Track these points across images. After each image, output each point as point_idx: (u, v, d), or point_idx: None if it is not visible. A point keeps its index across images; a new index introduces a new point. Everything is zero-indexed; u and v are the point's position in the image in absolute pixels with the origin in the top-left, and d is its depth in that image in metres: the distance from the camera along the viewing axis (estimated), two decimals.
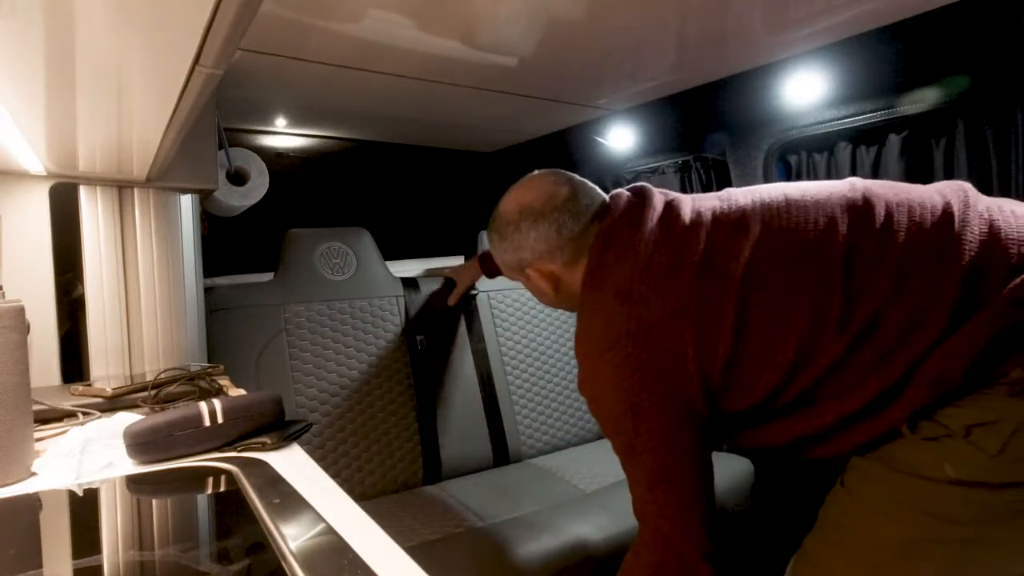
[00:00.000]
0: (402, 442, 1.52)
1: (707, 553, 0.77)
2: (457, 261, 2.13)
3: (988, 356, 0.67)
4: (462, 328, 1.72)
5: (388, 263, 1.71)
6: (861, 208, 0.76)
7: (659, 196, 0.90)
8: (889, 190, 0.78)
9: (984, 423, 0.67)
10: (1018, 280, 0.67)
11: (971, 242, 0.70)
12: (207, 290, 1.42)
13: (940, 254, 0.70)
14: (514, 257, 0.98)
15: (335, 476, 1.32)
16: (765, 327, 0.75)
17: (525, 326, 1.82)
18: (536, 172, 0.99)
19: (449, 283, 1.71)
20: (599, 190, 0.97)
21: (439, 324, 1.67)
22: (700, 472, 0.79)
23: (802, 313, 0.73)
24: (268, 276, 1.57)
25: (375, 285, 1.63)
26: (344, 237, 1.63)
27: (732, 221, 0.81)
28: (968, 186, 0.78)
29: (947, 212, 0.73)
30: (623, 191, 0.94)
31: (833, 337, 0.72)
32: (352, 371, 1.51)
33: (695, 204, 0.87)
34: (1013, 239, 0.70)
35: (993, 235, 0.71)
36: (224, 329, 1.40)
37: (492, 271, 1.59)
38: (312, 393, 1.44)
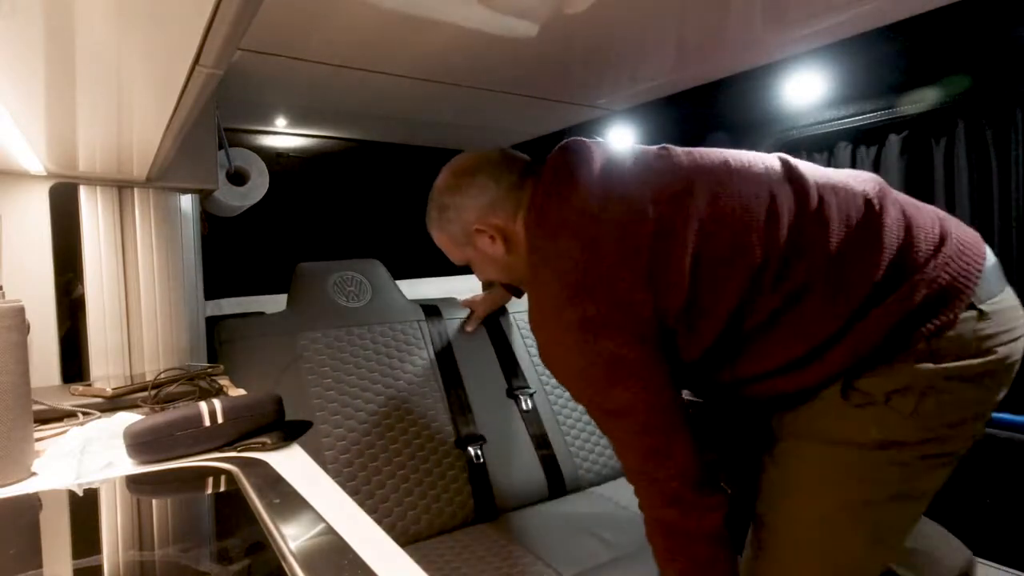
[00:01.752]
0: (444, 470, 1.37)
1: (710, 489, 0.83)
2: (468, 280, 2.05)
3: (901, 330, 0.77)
4: (493, 351, 1.61)
5: (403, 282, 1.63)
6: (799, 189, 0.84)
7: (596, 148, 0.93)
8: (813, 171, 0.87)
9: (899, 389, 0.77)
10: (929, 267, 0.78)
11: (891, 231, 0.80)
12: (215, 320, 1.37)
13: (867, 243, 0.80)
14: (458, 224, 0.98)
15: (373, 514, 1.19)
16: (714, 283, 0.82)
17: None
18: None
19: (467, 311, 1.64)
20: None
21: (467, 348, 1.57)
22: (682, 409, 0.84)
23: (744, 273, 0.81)
24: (273, 296, 1.53)
25: (394, 311, 1.54)
26: (356, 267, 1.56)
27: (678, 187, 0.85)
28: (880, 179, 0.87)
29: (869, 201, 0.82)
30: (556, 148, 0.97)
31: (768, 296, 0.81)
32: (379, 396, 1.38)
33: (637, 158, 0.91)
34: (921, 227, 0.81)
35: (907, 226, 0.81)
36: (234, 361, 1.31)
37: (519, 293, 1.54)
38: (338, 420, 1.31)
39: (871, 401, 0.78)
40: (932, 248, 0.80)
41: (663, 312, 0.82)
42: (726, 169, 0.87)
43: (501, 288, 1.58)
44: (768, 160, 0.89)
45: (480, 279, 1.15)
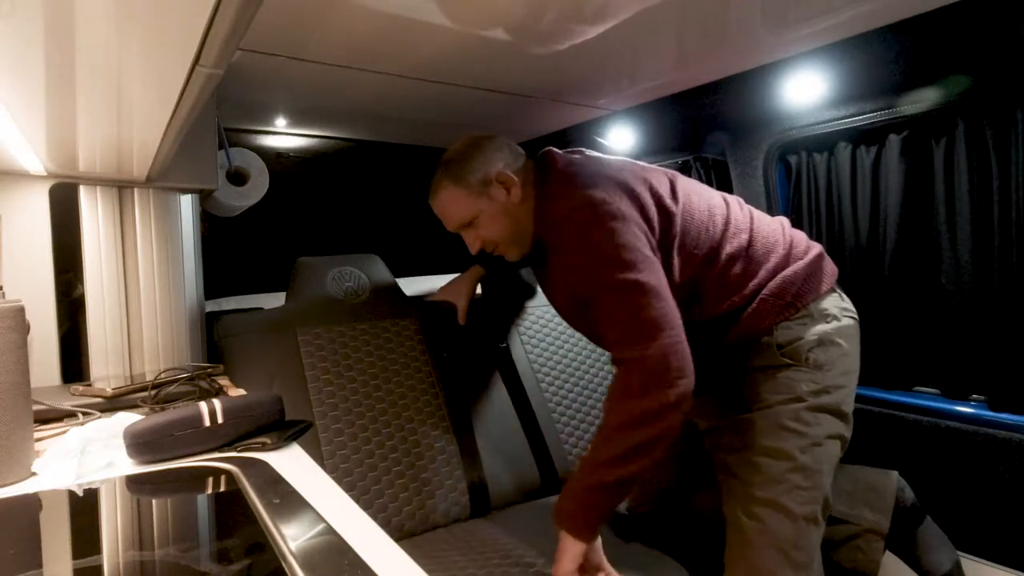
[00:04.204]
0: (439, 466, 1.36)
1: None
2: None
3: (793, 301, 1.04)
4: (489, 347, 1.62)
5: (402, 280, 1.62)
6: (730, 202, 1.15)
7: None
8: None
9: (797, 342, 1.01)
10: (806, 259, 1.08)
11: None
12: (215, 316, 1.37)
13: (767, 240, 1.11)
14: (481, 173, 1.11)
15: (369, 509, 1.19)
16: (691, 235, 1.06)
17: (555, 341, 1.73)
18: None
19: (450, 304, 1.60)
20: None
21: (465, 344, 1.57)
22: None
23: (709, 243, 1.05)
24: (272, 295, 1.52)
25: (392, 306, 1.54)
26: (354, 262, 1.56)
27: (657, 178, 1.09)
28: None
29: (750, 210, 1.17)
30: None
31: (715, 256, 1.05)
32: (377, 391, 1.38)
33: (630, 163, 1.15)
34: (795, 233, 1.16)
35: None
36: (234, 356, 1.31)
37: (497, 265, 1.54)
38: (336, 416, 1.31)
39: (793, 364, 1.01)
40: (803, 250, 1.09)
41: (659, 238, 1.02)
42: (695, 188, 1.12)
43: (474, 270, 1.56)
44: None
45: (473, 247, 1.18)
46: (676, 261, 1.03)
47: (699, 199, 1.08)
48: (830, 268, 1.10)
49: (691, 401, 0.92)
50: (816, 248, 1.11)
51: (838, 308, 1.06)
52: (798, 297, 1.03)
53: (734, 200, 1.15)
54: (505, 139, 1.17)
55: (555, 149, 1.16)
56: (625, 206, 0.99)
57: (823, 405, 0.99)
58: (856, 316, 1.09)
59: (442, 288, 1.58)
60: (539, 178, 1.11)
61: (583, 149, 1.18)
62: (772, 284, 1.04)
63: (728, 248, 1.05)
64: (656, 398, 0.88)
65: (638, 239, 0.97)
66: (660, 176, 1.10)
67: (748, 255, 1.06)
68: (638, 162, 1.16)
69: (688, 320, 1.04)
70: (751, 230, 1.08)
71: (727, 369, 1.07)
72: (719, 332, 1.06)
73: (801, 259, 1.07)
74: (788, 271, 1.05)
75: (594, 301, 0.99)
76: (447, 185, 1.14)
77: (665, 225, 1.03)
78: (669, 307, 0.94)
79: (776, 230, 1.11)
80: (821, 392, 0.99)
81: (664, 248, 1.02)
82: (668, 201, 1.05)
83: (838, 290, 1.10)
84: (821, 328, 1.02)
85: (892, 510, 1.12)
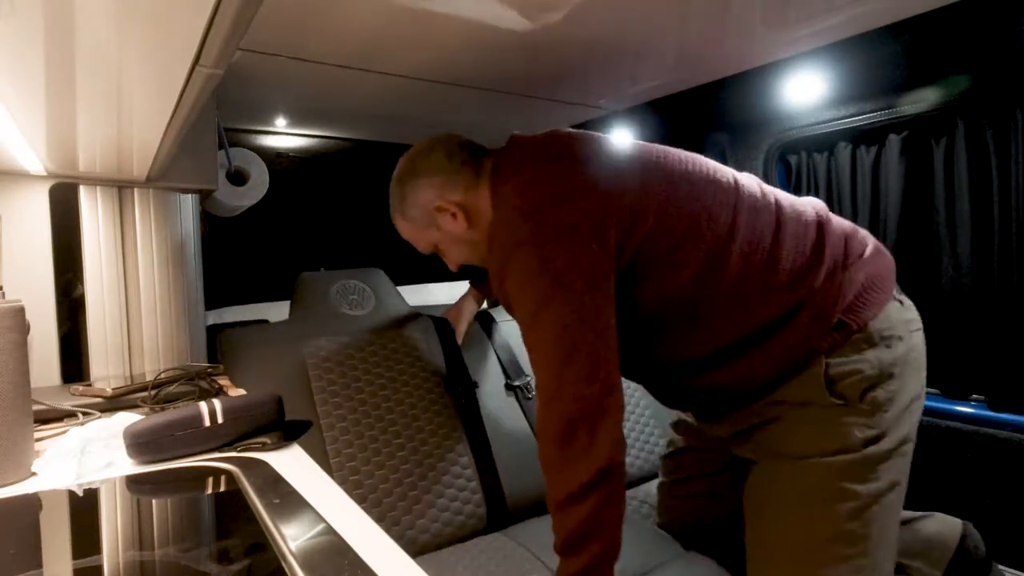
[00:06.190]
0: (453, 477, 1.33)
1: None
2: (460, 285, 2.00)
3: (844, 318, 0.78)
4: (497, 358, 1.59)
5: (408, 287, 1.60)
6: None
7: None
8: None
9: (871, 385, 0.77)
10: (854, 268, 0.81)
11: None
12: (218, 328, 1.36)
13: (805, 247, 0.86)
14: (420, 208, 1.00)
15: (382, 523, 1.15)
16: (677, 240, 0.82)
17: None
18: None
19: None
20: None
21: (472, 356, 1.55)
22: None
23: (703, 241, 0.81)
24: (274, 304, 1.49)
25: (398, 318, 1.52)
26: (358, 276, 1.55)
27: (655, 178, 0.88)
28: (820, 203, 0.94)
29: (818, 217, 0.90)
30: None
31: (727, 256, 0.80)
32: (387, 402, 1.35)
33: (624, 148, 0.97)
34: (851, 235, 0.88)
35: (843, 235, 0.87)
36: (238, 371, 1.28)
37: (490, 293, 1.52)
38: (344, 427, 1.27)
39: (845, 403, 0.78)
40: (860, 253, 0.83)
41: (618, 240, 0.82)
42: (683, 171, 0.88)
43: (472, 294, 1.54)
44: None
45: (451, 267, 1.11)
46: (653, 276, 0.82)
47: (691, 187, 0.85)
48: (888, 268, 0.84)
49: (623, 472, 0.78)
50: (871, 241, 0.85)
51: (902, 322, 0.81)
52: (850, 314, 0.78)
53: (752, 182, 0.89)
54: (447, 148, 1.00)
55: (517, 136, 1.00)
56: (568, 213, 0.81)
57: (883, 453, 0.77)
58: (921, 324, 0.85)
59: (447, 310, 1.57)
60: (494, 180, 0.94)
61: (557, 129, 1.00)
62: (813, 299, 0.78)
63: (740, 249, 0.80)
64: (574, 477, 0.75)
65: (577, 256, 0.78)
66: (633, 162, 0.90)
67: (772, 257, 0.79)
68: (619, 142, 0.97)
69: (692, 354, 0.84)
70: (777, 223, 0.81)
71: (756, 397, 0.84)
72: (742, 365, 0.81)
73: (854, 262, 0.81)
74: (833, 282, 0.79)
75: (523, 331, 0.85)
76: (397, 219, 1.08)
77: (629, 229, 0.82)
78: (601, 348, 0.76)
79: (810, 220, 0.83)
80: (880, 437, 0.77)
81: (631, 261, 0.82)
82: (635, 195, 0.84)
83: (897, 294, 0.84)
84: (882, 356, 0.78)
85: (948, 562, 0.97)
